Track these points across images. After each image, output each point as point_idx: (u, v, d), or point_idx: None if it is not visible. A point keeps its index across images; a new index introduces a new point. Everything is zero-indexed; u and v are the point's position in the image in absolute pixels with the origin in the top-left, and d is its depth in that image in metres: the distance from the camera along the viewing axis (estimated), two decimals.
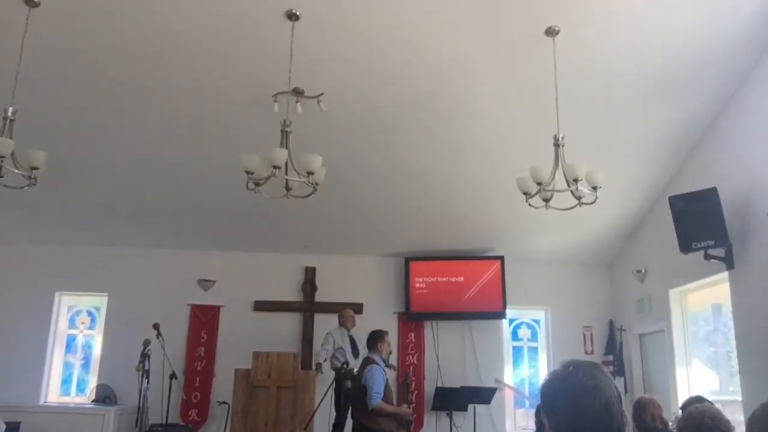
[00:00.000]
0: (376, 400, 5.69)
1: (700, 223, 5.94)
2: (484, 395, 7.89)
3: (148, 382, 6.95)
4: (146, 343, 6.98)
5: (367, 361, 6.07)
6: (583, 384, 1.55)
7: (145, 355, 6.93)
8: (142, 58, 5.33)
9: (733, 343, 6.15)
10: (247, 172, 4.43)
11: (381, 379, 5.79)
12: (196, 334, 8.40)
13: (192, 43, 5.19)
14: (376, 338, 6.22)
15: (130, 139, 6.40)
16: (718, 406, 2.67)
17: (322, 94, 5.57)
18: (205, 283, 8.50)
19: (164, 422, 7.28)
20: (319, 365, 7.41)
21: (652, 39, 5.32)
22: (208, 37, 5.12)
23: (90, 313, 8.74)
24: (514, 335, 9.05)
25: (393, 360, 8.39)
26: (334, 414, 7.19)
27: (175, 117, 6.08)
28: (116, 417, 7.53)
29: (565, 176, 4.72)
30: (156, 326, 7.12)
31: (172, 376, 7.21)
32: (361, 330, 7.91)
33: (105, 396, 7.89)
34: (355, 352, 7.61)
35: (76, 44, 5.16)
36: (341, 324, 7.78)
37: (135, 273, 8.42)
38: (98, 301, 8.64)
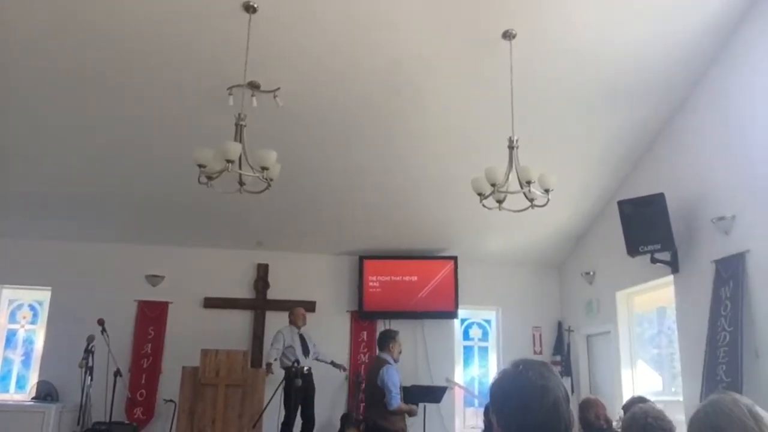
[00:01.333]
0: (397, 400, 5.79)
1: (647, 227, 6.10)
2: (434, 394, 7.90)
3: (91, 379, 6.76)
4: (90, 339, 6.79)
5: (381, 362, 5.99)
6: (532, 383, 1.55)
7: (88, 352, 6.74)
8: (92, 44, 5.18)
9: (677, 345, 6.33)
10: (200, 166, 4.33)
11: (397, 379, 5.89)
12: (143, 331, 8.20)
13: (146, 32, 5.07)
14: (387, 338, 6.19)
15: (77, 128, 6.21)
16: (660, 406, 2.72)
17: (278, 89, 5.50)
18: (154, 279, 8.31)
19: (108, 420, 7.09)
20: (269, 365, 7.30)
21: (607, 46, 5.44)
22: (163, 26, 5.01)
23: (32, 308, 8.43)
24: (466, 335, 9.12)
25: (344, 358, 8.38)
26: (283, 413, 7.11)
27: (125, 106, 5.92)
28: (57, 415, 7.30)
29: (518, 178, 4.78)
30: (101, 322, 6.93)
31: (117, 373, 7.03)
32: (313, 328, 7.88)
33: (46, 393, 7.64)
34: (306, 351, 7.54)
35: (22, 27, 4.97)
36: (292, 322, 7.70)
37: (80, 267, 8.16)
38: (41, 296, 8.34)
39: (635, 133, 6.58)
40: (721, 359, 5.28)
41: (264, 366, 7.45)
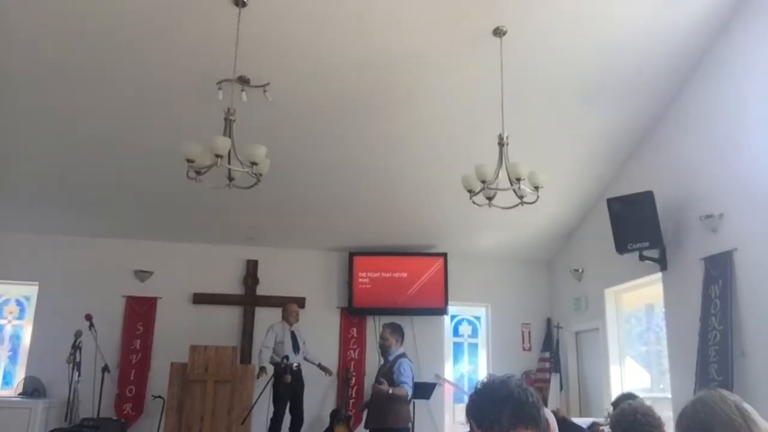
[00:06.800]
0: None
1: (635, 225, 6.12)
2: (423, 390, 7.92)
3: (79, 375, 6.72)
4: (78, 334, 6.75)
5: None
6: (493, 380, 1.76)
7: (76, 347, 6.70)
8: (82, 38, 5.13)
9: (665, 342, 6.36)
10: (188, 160, 4.30)
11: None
12: (132, 327, 8.16)
13: (136, 26, 5.03)
14: None
15: (66, 122, 6.15)
16: (648, 403, 2.73)
17: (268, 84, 5.48)
18: (142, 274, 8.27)
19: (96, 416, 7.05)
20: (262, 369, 7.16)
21: (596, 44, 5.44)
22: (153, 20, 4.97)
23: (19, 303, 8.37)
24: (455, 331, 9.14)
25: (334, 355, 8.38)
26: (272, 409, 7.10)
27: (115, 101, 5.87)
28: (44, 411, 7.26)
29: (508, 175, 4.78)
30: (88, 317, 6.89)
31: (105, 369, 6.99)
32: (303, 324, 7.87)
33: (33, 389, 7.59)
34: (296, 348, 7.53)
35: (8, 20, 4.92)
36: (284, 318, 7.69)
37: (68, 262, 8.11)
38: (28, 291, 8.28)
39: (625, 131, 6.60)
40: (712, 358, 5.31)
41: (257, 369, 7.23)
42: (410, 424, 5.94)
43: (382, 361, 6.46)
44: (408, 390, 5.59)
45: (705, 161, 5.76)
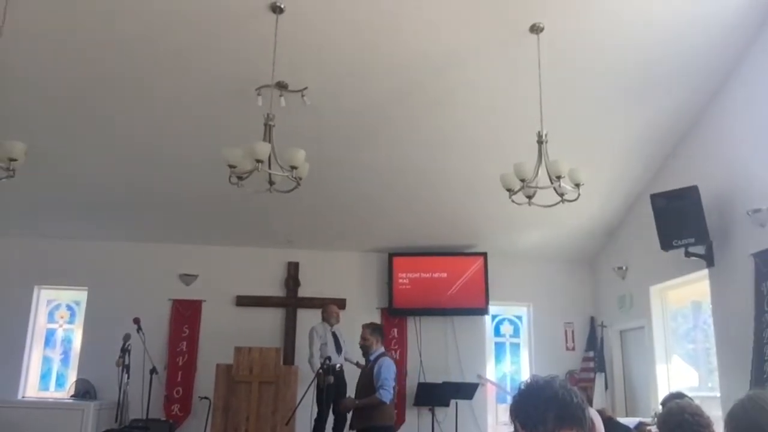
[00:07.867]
0: None
1: (680, 220, 5.99)
2: (466, 390, 7.92)
3: (128, 377, 6.89)
4: (126, 337, 6.93)
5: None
6: (537, 381, 1.74)
7: (125, 350, 6.87)
8: (125, 49, 5.27)
9: (713, 340, 6.22)
10: (230, 166, 4.39)
11: None
12: (178, 329, 8.34)
13: (175, 35, 5.15)
14: None
15: (111, 131, 6.32)
16: (697, 402, 2.68)
17: (305, 88, 5.55)
18: (187, 278, 8.44)
19: (145, 417, 7.22)
20: (319, 375, 7.03)
21: (636, 37, 5.36)
22: (190, 28, 5.07)
23: (70, 308, 8.63)
24: (497, 331, 9.08)
25: None
26: (316, 409, 7.17)
27: (157, 109, 6.02)
28: (96, 412, 7.46)
29: (548, 173, 4.74)
30: (136, 321, 7.06)
31: (153, 371, 7.14)
32: (344, 325, 7.91)
33: (84, 391, 7.81)
34: (338, 348, 7.58)
35: (58, 34, 5.09)
36: (324, 319, 7.74)
37: (116, 267, 8.33)
38: (78, 296, 8.53)
39: (668, 126, 6.47)
40: (767, 356, 5.18)
41: (315, 377, 7.07)
42: (394, 422, 6.04)
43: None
44: (385, 394, 5.68)
45: (751, 154, 5.61)
